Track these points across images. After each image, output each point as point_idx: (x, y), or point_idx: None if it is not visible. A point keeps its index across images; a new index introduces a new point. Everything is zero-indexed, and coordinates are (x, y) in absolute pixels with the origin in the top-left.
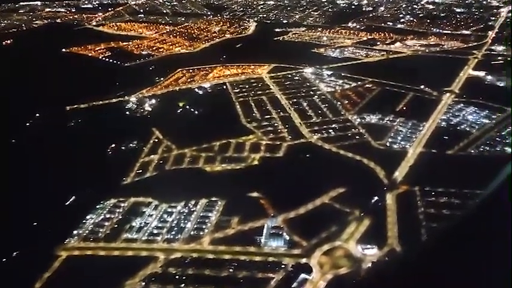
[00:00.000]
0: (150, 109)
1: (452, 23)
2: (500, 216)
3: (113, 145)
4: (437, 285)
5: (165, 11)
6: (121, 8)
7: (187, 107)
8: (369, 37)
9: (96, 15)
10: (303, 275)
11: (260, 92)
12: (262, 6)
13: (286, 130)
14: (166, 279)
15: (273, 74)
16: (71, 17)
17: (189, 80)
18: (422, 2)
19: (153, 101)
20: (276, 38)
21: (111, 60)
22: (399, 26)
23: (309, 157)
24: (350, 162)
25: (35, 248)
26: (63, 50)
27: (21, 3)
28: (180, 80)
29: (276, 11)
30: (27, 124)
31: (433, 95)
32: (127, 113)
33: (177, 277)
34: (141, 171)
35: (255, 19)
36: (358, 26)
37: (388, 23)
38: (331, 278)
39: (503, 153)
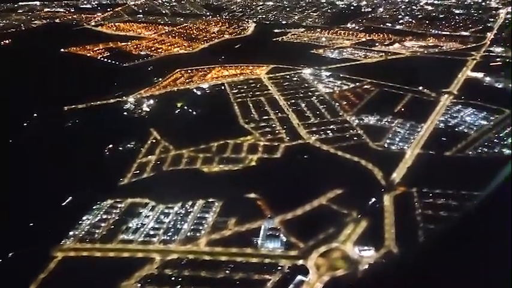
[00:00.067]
0: (148, 110)
1: (451, 24)
2: (498, 218)
3: (111, 145)
4: (435, 287)
5: (164, 12)
6: (120, 8)
7: (186, 107)
8: (368, 38)
9: (95, 16)
10: (299, 277)
11: (258, 93)
12: (261, 7)
13: (284, 131)
14: (162, 280)
15: (271, 75)
16: (70, 17)
17: (187, 80)
18: (421, 3)
19: (151, 101)
20: (274, 39)
21: (109, 61)
22: (398, 27)
23: (306, 158)
24: (348, 164)
25: (30, 249)
26: (62, 50)
27: (20, 3)
28: (179, 81)
29: (275, 12)
30: (25, 124)
31: (431, 96)
32: (125, 113)
33: (173, 278)
34: (138, 171)
35: (254, 20)
36: (357, 27)
37: (387, 24)
38: (328, 280)
39: (501, 155)
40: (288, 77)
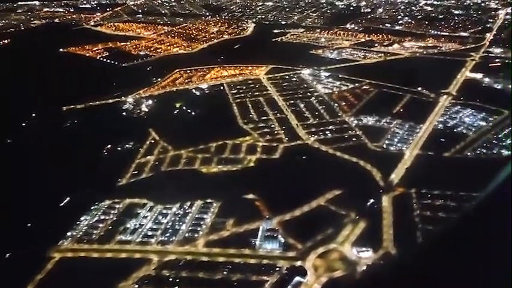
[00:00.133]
0: (146, 110)
1: (451, 25)
2: (496, 219)
3: (109, 146)
4: None
5: (163, 12)
6: (119, 8)
7: (184, 107)
8: (367, 39)
9: (95, 15)
10: (297, 278)
11: (257, 93)
12: (260, 7)
13: (283, 132)
14: (159, 282)
15: (270, 75)
16: (69, 17)
17: (186, 80)
18: (420, 4)
19: (150, 101)
20: (274, 39)
21: (108, 61)
22: (397, 27)
23: (305, 159)
24: (346, 164)
25: (27, 250)
26: (61, 50)
27: (19, 3)
28: (178, 81)
29: (275, 12)
30: (23, 124)
31: (430, 97)
32: (124, 113)
33: (170, 280)
34: (136, 172)
35: (254, 20)
36: (356, 28)
37: (386, 24)
38: (326, 281)
39: (500, 156)
40: (287, 77)
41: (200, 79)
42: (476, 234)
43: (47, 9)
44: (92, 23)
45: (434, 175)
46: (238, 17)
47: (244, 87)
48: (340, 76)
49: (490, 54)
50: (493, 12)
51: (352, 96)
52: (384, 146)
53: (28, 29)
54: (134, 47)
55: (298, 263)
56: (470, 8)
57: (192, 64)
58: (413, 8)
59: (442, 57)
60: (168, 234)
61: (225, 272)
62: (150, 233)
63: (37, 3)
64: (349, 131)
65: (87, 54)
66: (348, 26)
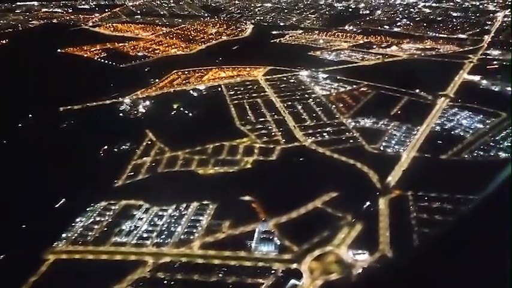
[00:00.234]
0: (144, 111)
1: (449, 27)
2: (493, 222)
3: (106, 147)
4: None
5: (162, 13)
6: (118, 9)
7: (182, 109)
8: (365, 40)
9: (93, 16)
10: (292, 281)
11: (255, 95)
12: (259, 8)
13: (280, 133)
14: (154, 284)
15: (268, 77)
16: (68, 18)
17: (184, 81)
18: (419, 6)
19: (147, 102)
20: (272, 41)
21: (106, 61)
22: (396, 29)
23: (302, 161)
24: (343, 166)
25: (22, 251)
26: (59, 50)
27: (17, 3)
28: (175, 82)
29: (273, 14)
30: (20, 125)
31: (428, 99)
32: (121, 114)
33: (165, 282)
34: (133, 173)
35: (252, 21)
36: (354, 29)
37: (385, 26)
38: (322, 284)
39: (497, 158)
40: (285, 78)
41: (198, 80)
42: (473, 237)
43: (46, 9)
44: (91, 24)
45: (431, 177)
46: (236, 18)
47: (242, 89)
48: (338, 78)
49: (488, 57)
50: (491, 15)
51: (349, 98)
52: (381, 148)
53: (26, 29)
54: (132, 47)
55: (294, 266)
56: (469, 10)
57: (190, 65)
58: (411, 10)
59: (440, 59)
60: (163, 236)
61: (220, 275)
62: (145, 235)
63: (35, 3)
64: (347, 133)
65: (85, 55)
66: (346, 27)
